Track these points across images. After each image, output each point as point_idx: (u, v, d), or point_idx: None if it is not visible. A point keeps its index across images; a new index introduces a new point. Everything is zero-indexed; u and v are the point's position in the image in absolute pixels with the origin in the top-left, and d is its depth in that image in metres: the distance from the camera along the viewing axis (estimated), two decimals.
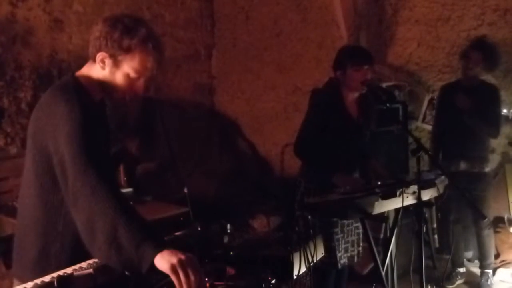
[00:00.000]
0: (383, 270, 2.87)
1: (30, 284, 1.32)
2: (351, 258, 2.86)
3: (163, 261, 1.26)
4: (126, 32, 1.57)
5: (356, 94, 2.84)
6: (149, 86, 5.03)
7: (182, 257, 1.26)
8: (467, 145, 3.61)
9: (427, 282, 3.04)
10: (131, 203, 3.24)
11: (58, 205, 1.54)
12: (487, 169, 3.72)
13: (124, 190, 3.59)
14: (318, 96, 2.84)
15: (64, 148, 1.44)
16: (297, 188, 2.80)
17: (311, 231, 1.74)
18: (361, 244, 2.94)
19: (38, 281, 1.32)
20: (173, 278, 1.25)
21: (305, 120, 2.85)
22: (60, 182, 1.47)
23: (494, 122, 3.57)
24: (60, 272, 1.37)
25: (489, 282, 3.72)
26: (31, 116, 1.63)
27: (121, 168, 3.81)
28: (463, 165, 3.66)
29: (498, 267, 3.92)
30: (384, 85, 4.22)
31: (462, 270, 3.90)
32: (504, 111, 3.86)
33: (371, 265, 3.32)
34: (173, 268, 1.24)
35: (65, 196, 1.46)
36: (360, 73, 2.71)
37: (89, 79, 1.63)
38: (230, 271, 1.39)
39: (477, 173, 3.66)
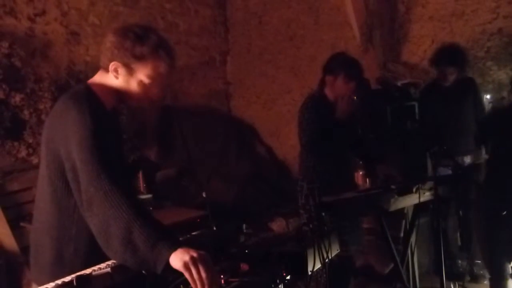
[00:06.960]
0: (402, 268, 2.84)
1: (52, 284, 1.35)
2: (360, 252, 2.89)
3: (177, 259, 1.29)
4: (137, 40, 1.61)
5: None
6: (166, 94, 5.10)
7: (195, 254, 1.28)
8: (464, 139, 3.63)
9: (449, 280, 3.00)
10: (151, 208, 3.32)
11: (71, 210, 1.57)
12: None
13: (143, 196, 3.65)
14: (309, 102, 2.94)
15: (76, 155, 1.47)
16: (300, 191, 2.85)
17: (325, 228, 1.75)
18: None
19: (59, 281, 1.36)
20: (186, 275, 1.27)
21: (304, 126, 2.90)
22: (72, 187, 1.51)
23: (483, 112, 3.74)
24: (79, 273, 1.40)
25: None
26: (44, 124, 1.67)
27: (141, 175, 3.87)
28: (467, 159, 3.68)
29: None
30: (399, 83, 4.19)
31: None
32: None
33: (392, 264, 3.28)
34: (186, 265, 1.27)
35: (77, 201, 1.49)
36: (348, 86, 2.86)
37: (102, 87, 1.66)
38: (244, 267, 1.40)
39: (482, 163, 3.65)
